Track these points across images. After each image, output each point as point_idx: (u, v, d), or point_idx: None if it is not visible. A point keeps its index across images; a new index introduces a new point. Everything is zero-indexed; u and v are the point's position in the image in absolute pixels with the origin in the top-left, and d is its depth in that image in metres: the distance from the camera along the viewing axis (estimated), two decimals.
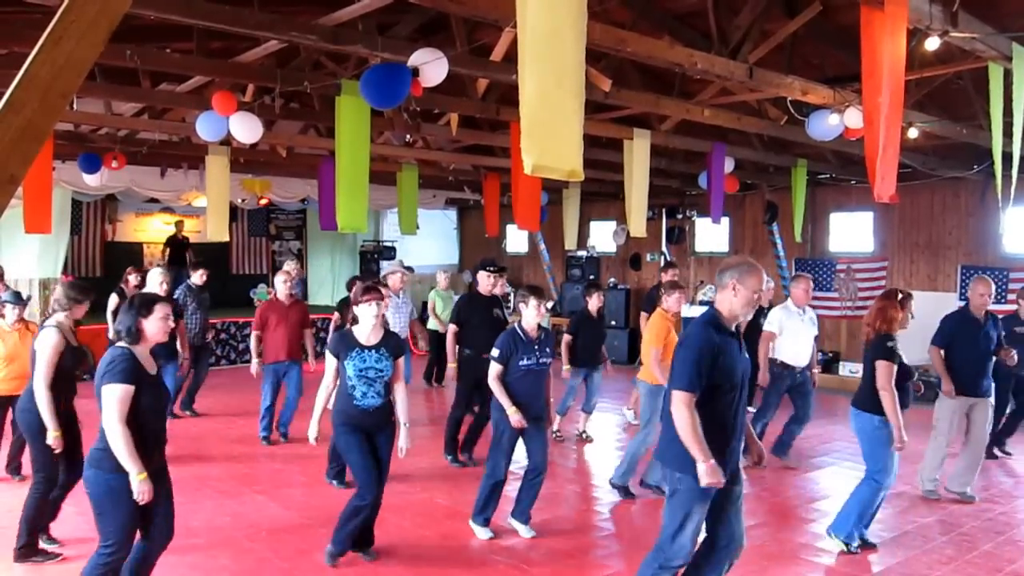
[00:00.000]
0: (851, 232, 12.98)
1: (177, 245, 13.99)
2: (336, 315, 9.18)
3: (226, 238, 9.79)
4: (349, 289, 9.32)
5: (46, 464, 4.71)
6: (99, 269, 14.51)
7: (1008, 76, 5.51)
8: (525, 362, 5.20)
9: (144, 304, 3.66)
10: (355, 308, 4.72)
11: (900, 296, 5.24)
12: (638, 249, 14.93)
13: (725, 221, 13.32)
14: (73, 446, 4.75)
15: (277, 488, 6.41)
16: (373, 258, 16.18)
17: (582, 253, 15.41)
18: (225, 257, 15.65)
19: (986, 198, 10.97)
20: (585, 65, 3.25)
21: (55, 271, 12.00)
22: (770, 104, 8.17)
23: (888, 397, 5.01)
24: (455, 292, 10.84)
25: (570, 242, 12.92)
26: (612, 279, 15.36)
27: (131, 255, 14.42)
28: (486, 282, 7.21)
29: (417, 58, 5.49)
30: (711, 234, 14.52)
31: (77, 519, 5.08)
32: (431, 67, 5.49)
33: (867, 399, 5.19)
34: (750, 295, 3.59)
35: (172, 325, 3.78)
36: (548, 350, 5.35)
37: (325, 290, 16.50)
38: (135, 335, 3.61)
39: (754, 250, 14.09)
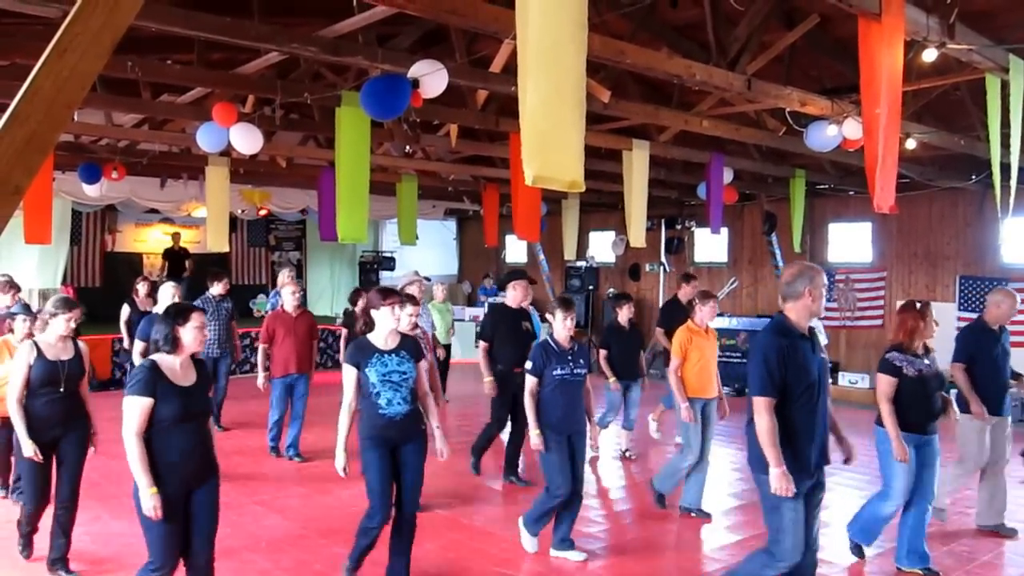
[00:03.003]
0: (850, 242, 13.01)
1: (175, 257, 13.98)
2: (344, 330, 9.04)
3: (226, 248, 9.81)
4: (353, 302, 9.27)
5: (29, 480, 4.63)
6: (99, 279, 14.51)
7: (1005, 87, 5.54)
8: (559, 372, 5.05)
9: (180, 312, 3.67)
10: (373, 312, 4.49)
11: (919, 306, 5.08)
12: (637, 259, 14.95)
13: (724, 231, 13.34)
14: (73, 463, 4.65)
15: (277, 499, 6.39)
16: (372, 268, 16.18)
17: (581, 263, 15.43)
18: (225, 268, 15.64)
19: (984, 208, 11.00)
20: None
21: (55, 281, 12.00)
22: (768, 115, 8.20)
23: (885, 408, 4.92)
24: (452, 304, 10.67)
25: (569, 252, 12.93)
26: (611, 289, 15.37)
27: (131, 265, 14.44)
28: (519, 294, 6.88)
29: (417, 70, 5.51)
30: (710, 244, 14.55)
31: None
32: (431, 79, 5.51)
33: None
34: (822, 293, 3.84)
35: (208, 335, 3.72)
36: (583, 361, 5.18)
37: (324, 301, 16.49)
38: (173, 343, 3.61)
39: (753, 260, 14.13)
